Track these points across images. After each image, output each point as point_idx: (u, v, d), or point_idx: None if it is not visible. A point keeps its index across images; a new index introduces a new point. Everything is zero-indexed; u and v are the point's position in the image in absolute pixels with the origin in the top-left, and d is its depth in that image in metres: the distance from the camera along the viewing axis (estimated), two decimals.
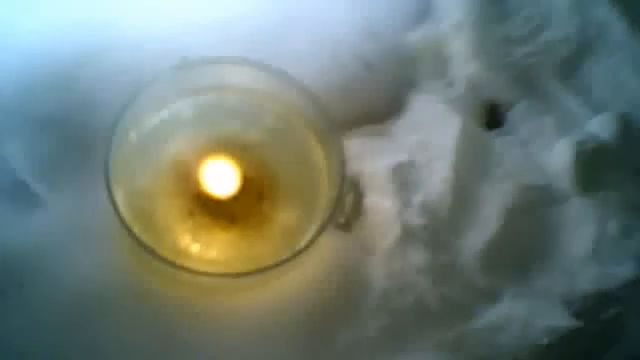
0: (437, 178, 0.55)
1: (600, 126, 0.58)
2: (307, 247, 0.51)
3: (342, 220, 0.55)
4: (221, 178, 0.54)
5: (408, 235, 0.53)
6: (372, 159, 0.56)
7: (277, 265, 0.50)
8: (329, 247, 0.53)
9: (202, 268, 0.51)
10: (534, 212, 0.55)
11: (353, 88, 0.59)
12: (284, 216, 0.54)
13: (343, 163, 0.52)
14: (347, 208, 0.55)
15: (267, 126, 0.56)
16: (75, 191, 0.54)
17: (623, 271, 0.52)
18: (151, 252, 0.49)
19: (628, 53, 0.61)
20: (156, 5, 0.59)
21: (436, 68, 0.61)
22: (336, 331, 0.51)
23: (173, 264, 0.49)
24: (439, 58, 0.61)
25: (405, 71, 0.60)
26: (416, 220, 0.54)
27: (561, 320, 0.51)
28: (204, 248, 0.53)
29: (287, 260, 0.50)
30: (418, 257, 0.53)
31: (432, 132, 0.57)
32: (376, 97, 0.59)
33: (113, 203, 0.50)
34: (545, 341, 0.51)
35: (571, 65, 0.62)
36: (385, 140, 0.57)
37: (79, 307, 0.50)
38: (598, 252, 0.53)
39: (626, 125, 0.58)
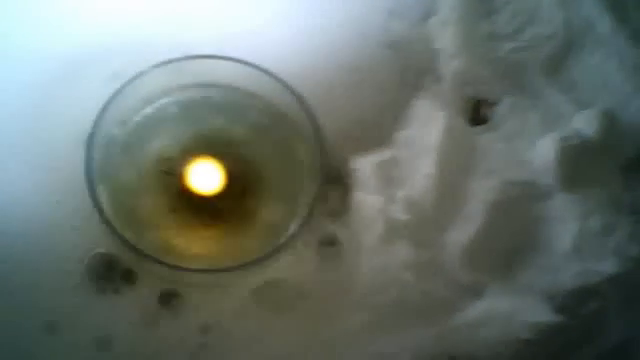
0: (421, 174, 0.55)
1: (584, 122, 0.57)
2: (289, 242, 0.51)
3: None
4: (205, 175, 0.54)
5: (392, 231, 0.53)
6: (356, 155, 0.56)
7: (259, 261, 0.50)
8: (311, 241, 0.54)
9: (185, 264, 0.51)
10: (518, 208, 0.55)
11: (338, 86, 0.59)
12: (268, 212, 0.54)
13: (326, 159, 0.52)
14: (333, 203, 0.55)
15: (251, 123, 0.56)
16: None
17: (605, 267, 0.52)
18: (133, 249, 0.50)
19: (613, 49, 0.61)
20: (145, 3, 0.59)
21: (422, 64, 0.61)
22: (320, 325, 0.51)
23: (156, 260, 0.50)
24: (425, 54, 0.61)
25: (391, 68, 0.60)
26: (400, 216, 0.54)
27: (543, 315, 0.51)
28: (187, 244, 0.53)
29: (269, 255, 0.50)
30: (402, 253, 0.53)
31: (417, 128, 0.57)
32: (361, 96, 0.59)
33: (95, 199, 0.50)
34: (527, 336, 0.51)
35: (556, 61, 0.61)
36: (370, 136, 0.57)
37: None
38: (580, 248, 0.53)
39: (610, 121, 0.58)
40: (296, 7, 0.60)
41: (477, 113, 0.60)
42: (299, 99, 0.54)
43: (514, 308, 0.52)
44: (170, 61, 0.54)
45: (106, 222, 0.50)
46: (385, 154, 0.56)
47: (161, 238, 0.53)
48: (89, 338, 0.51)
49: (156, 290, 0.52)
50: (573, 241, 0.53)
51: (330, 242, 0.54)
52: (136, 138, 0.54)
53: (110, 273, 0.52)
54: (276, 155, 0.55)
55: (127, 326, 0.51)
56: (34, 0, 0.58)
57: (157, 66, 0.54)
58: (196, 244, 0.53)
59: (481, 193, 0.55)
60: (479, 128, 0.59)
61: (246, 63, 0.54)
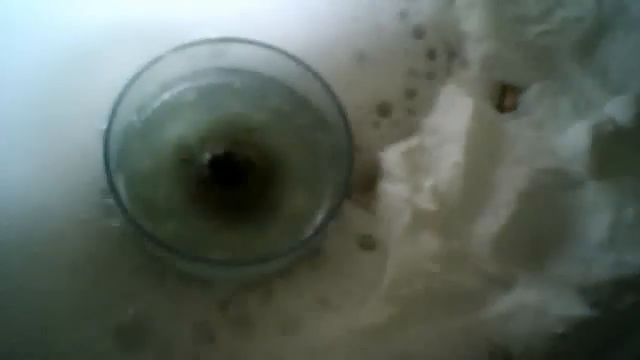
0: (449, 162, 0.54)
1: (617, 108, 0.56)
2: (317, 234, 0.49)
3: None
4: (225, 163, 0.52)
5: (419, 221, 0.52)
6: (382, 143, 0.54)
7: (285, 254, 0.49)
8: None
9: (205, 255, 0.50)
10: (548, 197, 0.54)
11: (359, 72, 0.57)
12: (290, 202, 0.52)
13: (351, 147, 0.51)
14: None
15: (272, 109, 0.54)
16: None
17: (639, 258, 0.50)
18: (151, 238, 0.48)
19: None
20: None
21: (448, 49, 0.59)
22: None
23: (174, 250, 0.48)
24: (451, 38, 0.60)
25: (417, 52, 0.58)
26: (427, 205, 0.52)
27: (576, 309, 0.49)
28: (207, 234, 0.51)
29: (296, 248, 0.49)
30: (429, 243, 0.51)
31: (444, 115, 0.56)
32: (386, 81, 0.57)
33: (112, 187, 0.49)
34: (559, 330, 0.49)
35: (587, 45, 0.60)
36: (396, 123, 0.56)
37: None
38: (614, 239, 0.51)
39: None
40: None
41: (505, 99, 0.58)
42: (323, 84, 0.52)
43: (546, 301, 0.50)
44: (188, 45, 0.52)
45: (124, 211, 0.48)
46: (411, 142, 0.54)
47: (180, 228, 0.51)
48: None
49: None
50: (607, 232, 0.52)
51: (362, 234, 0.52)
52: (154, 125, 0.53)
53: None
54: (299, 142, 0.54)
55: None
56: None
57: (175, 50, 0.52)
58: (217, 236, 0.51)
59: (510, 181, 0.54)
60: (507, 114, 0.58)
61: (267, 46, 0.52)
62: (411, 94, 0.57)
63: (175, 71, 0.53)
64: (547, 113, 0.57)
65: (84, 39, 0.55)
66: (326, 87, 0.52)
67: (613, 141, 0.54)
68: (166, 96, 0.53)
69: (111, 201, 0.49)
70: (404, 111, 0.57)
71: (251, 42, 0.52)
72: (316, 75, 0.52)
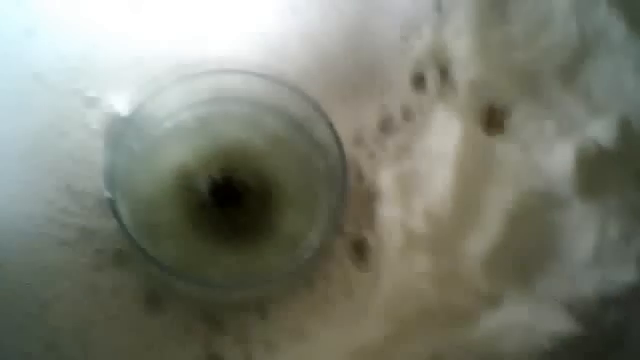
0: (439, 184, 0.55)
1: (600, 130, 0.57)
2: (312, 256, 0.51)
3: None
4: (224, 188, 0.54)
5: (411, 242, 0.54)
6: (376, 166, 0.56)
7: (280, 277, 0.51)
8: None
9: (207, 278, 0.51)
10: (536, 217, 0.55)
11: (352, 95, 0.59)
12: (286, 224, 0.54)
13: (345, 172, 0.53)
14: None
15: (268, 135, 0.56)
16: None
17: (624, 276, 0.52)
18: (155, 262, 0.50)
19: (628, 55, 0.61)
20: (160, 19, 0.59)
21: (440, 74, 0.61)
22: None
23: (177, 274, 0.50)
24: (440, 62, 0.61)
25: (410, 77, 0.60)
26: (419, 226, 0.54)
27: (563, 325, 0.51)
28: (207, 257, 0.53)
29: (293, 271, 0.51)
30: (421, 263, 0.53)
31: (435, 138, 0.58)
32: (379, 106, 0.59)
33: (116, 213, 0.50)
34: (549, 346, 0.51)
35: (571, 68, 0.61)
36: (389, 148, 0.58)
37: None
38: (599, 257, 0.53)
39: (627, 128, 0.58)
40: (310, 22, 0.60)
41: (493, 122, 0.60)
42: (318, 111, 0.54)
43: (534, 318, 0.52)
44: (189, 76, 0.54)
45: (127, 236, 0.50)
46: (404, 165, 0.56)
47: (181, 251, 0.53)
48: None
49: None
50: (592, 250, 0.54)
51: (356, 255, 0.54)
52: (156, 152, 0.55)
53: None
54: (295, 167, 0.56)
55: None
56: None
57: (177, 81, 0.54)
58: (216, 258, 0.53)
59: (498, 202, 0.55)
60: (495, 137, 0.59)
61: (264, 76, 0.54)
62: (404, 118, 0.59)
63: (177, 101, 0.55)
64: (533, 135, 0.59)
65: (88, 69, 0.57)
66: (321, 114, 0.54)
67: (596, 162, 0.56)
68: (168, 124, 0.55)
69: (114, 224, 0.51)
70: (397, 135, 0.58)
71: (249, 73, 0.54)
72: (310, 103, 0.54)
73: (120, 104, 0.55)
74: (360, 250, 0.55)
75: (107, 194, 0.50)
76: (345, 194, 0.53)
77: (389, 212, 0.54)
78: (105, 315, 0.52)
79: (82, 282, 0.52)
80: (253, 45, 0.58)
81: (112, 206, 0.51)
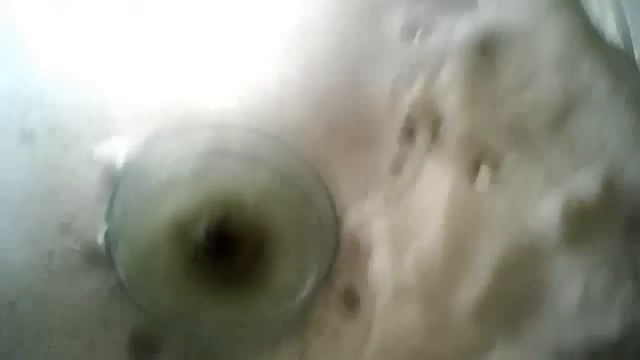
0: (428, 237, 0.57)
1: (585, 183, 0.59)
2: (304, 308, 0.52)
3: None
4: (218, 238, 0.55)
5: (401, 294, 0.55)
6: (367, 219, 0.57)
7: (271, 326, 0.51)
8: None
9: (198, 325, 0.52)
10: (523, 269, 0.57)
11: (344, 147, 0.61)
12: (278, 274, 0.55)
13: (336, 225, 0.54)
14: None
15: (262, 187, 0.57)
16: None
17: (609, 331, 0.53)
18: (151, 313, 0.51)
19: (610, 112, 0.63)
20: (155, 67, 0.61)
21: (429, 127, 0.62)
22: None
23: (172, 322, 0.51)
24: (429, 115, 0.63)
25: (401, 131, 0.62)
26: (409, 279, 0.55)
27: None
28: (201, 305, 0.54)
29: (284, 321, 0.52)
30: (411, 316, 0.54)
31: (424, 191, 0.59)
32: (366, 156, 0.61)
33: (113, 262, 0.51)
34: None
35: (557, 122, 0.63)
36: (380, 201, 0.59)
37: None
38: (584, 311, 0.54)
39: (610, 182, 0.59)
40: (301, 78, 0.62)
41: (481, 175, 0.61)
42: (309, 167, 0.55)
43: None
44: (186, 130, 0.55)
45: (123, 289, 0.51)
46: (394, 218, 0.57)
47: (176, 300, 0.54)
48: None
49: None
50: (577, 303, 0.55)
51: (346, 307, 0.55)
52: (151, 204, 0.56)
53: None
54: (287, 219, 0.57)
55: None
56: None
57: (173, 134, 0.55)
58: (211, 308, 0.54)
59: (486, 255, 0.57)
60: (483, 190, 0.61)
61: (260, 132, 0.56)
62: (394, 172, 0.60)
63: (173, 153, 0.56)
64: (520, 188, 0.60)
65: (83, 121, 0.58)
66: (312, 170, 0.56)
67: (582, 215, 0.57)
68: (163, 176, 0.57)
69: (112, 277, 0.52)
70: (387, 189, 0.60)
71: (244, 128, 0.56)
72: (301, 157, 0.56)
73: (116, 156, 0.56)
74: (350, 301, 0.56)
75: (102, 243, 0.52)
76: (337, 246, 0.54)
77: (379, 264, 0.55)
78: None
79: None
80: (252, 98, 0.59)
81: (110, 257, 0.52)
